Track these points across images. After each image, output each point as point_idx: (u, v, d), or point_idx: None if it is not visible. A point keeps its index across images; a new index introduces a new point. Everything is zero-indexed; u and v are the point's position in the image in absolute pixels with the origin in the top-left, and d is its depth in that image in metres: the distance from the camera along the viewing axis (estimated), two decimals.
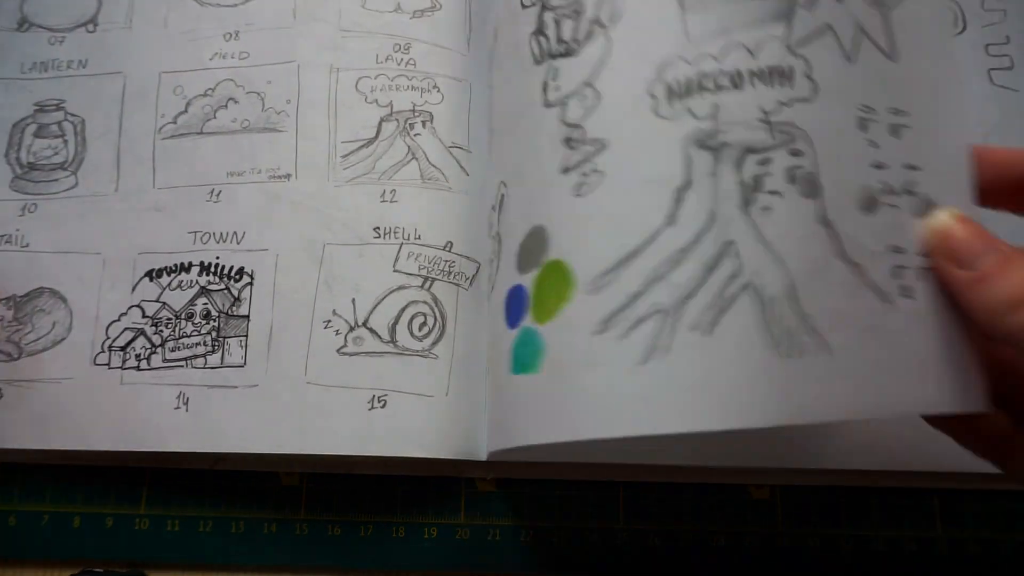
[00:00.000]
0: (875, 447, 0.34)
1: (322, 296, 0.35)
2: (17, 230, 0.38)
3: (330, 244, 0.36)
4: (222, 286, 0.36)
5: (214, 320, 0.35)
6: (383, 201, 0.36)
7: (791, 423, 0.21)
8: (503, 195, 0.30)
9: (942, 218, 0.23)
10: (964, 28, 0.38)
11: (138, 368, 0.35)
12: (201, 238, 0.37)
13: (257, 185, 0.37)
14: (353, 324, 0.35)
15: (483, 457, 0.34)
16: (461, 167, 0.37)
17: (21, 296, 0.37)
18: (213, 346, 0.35)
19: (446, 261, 0.36)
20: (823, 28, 0.24)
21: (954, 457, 0.33)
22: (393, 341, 0.35)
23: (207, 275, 0.36)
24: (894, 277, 0.23)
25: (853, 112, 0.23)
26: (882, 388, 0.22)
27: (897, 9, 0.24)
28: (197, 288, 0.36)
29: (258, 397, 0.34)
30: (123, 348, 0.36)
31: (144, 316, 0.36)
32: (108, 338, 0.36)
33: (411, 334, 0.35)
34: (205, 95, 0.39)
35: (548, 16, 0.28)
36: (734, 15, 0.24)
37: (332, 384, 0.34)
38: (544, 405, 0.26)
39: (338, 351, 0.34)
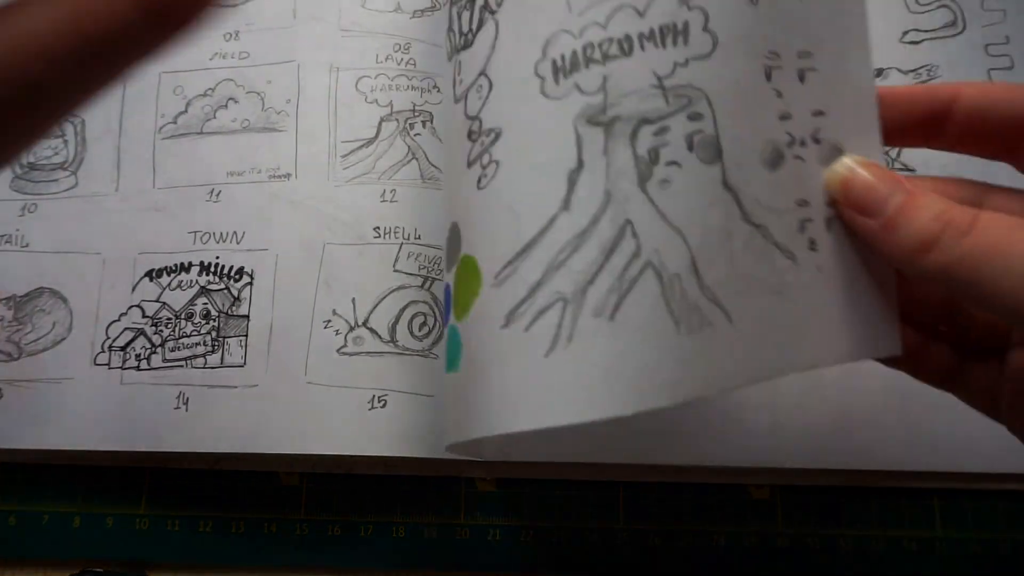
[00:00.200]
0: (875, 447, 0.34)
1: (322, 296, 0.35)
2: (17, 230, 0.38)
3: (330, 244, 0.36)
4: (222, 286, 0.36)
5: (214, 320, 0.35)
6: (383, 201, 0.36)
7: (696, 397, 0.21)
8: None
9: (844, 165, 0.22)
10: (964, 28, 0.38)
11: (138, 368, 0.35)
12: (201, 238, 0.37)
13: (257, 185, 0.37)
14: (353, 324, 0.35)
15: (480, 457, 0.34)
16: None
17: (21, 296, 0.37)
18: (213, 346, 0.35)
19: None
20: None
21: (954, 457, 0.33)
22: (393, 341, 0.35)
23: (207, 275, 0.36)
24: (801, 232, 0.22)
25: (759, 61, 0.22)
26: (790, 346, 0.22)
27: None
28: (197, 288, 0.36)
29: (258, 397, 0.34)
30: (123, 348, 0.36)
31: (144, 316, 0.36)
32: (108, 338, 0.36)
33: (411, 334, 0.35)
34: (205, 95, 0.39)
35: (454, 10, 0.27)
36: None
37: (332, 384, 0.34)
38: (463, 402, 0.25)
39: (338, 351, 0.34)
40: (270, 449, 0.34)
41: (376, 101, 0.38)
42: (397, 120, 0.37)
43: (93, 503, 0.35)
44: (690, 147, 0.22)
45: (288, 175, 0.37)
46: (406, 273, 0.35)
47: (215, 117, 0.38)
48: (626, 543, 0.34)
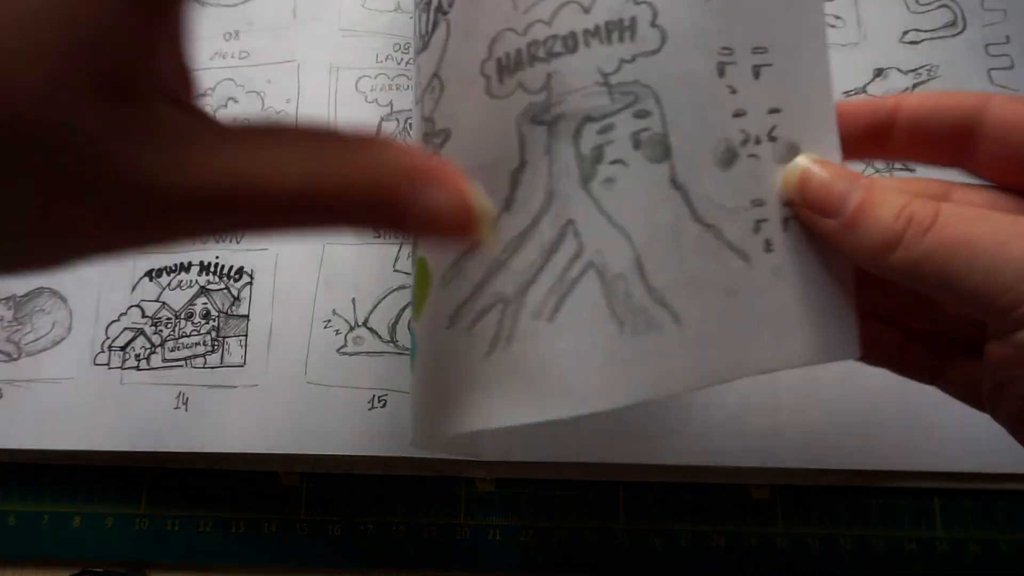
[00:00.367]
0: (875, 447, 0.34)
1: (322, 296, 0.35)
2: None
3: (330, 244, 0.36)
4: (222, 286, 0.36)
5: (214, 320, 0.35)
6: None
7: (642, 400, 0.20)
8: None
9: (799, 165, 0.22)
10: (964, 28, 0.38)
11: (138, 368, 0.35)
12: None
13: None
14: (353, 324, 0.35)
15: (481, 457, 0.34)
16: None
17: (21, 296, 0.37)
18: (213, 346, 0.35)
19: None
20: None
21: (954, 457, 0.33)
22: (393, 341, 0.35)
23: (207, 275, 0.36)
24: (756, 232, 0.21)
25: (711, 57, 0.21)
26: (743, 349, 0.21)
27: None
28: (197, 288, 0.36)
29: (258, 397, 0.34)
30: (123, 348, 0.36)
31: (144, 316, 0.36)
32: (108, 338, 0.36)
33: None
34: (205, 94, 0.39)
35: (417, 13, 0.27)
36: None
37: (332, 384, 0.34)
38: (417, 402, 0.25)
39: (338, 351, 0.34)
40: (270, 449, 0.34)
41: (376, 101, 0.38)
42: (397, 120, 0.37)
43: (93, 503, 0.35)
44: (636, 145, 0.21)
45: None
46: (406, 273, 0.35)
47: (215, 116, 0.38)
48: (626, 543, 0.34)
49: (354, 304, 0.35)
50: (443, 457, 0.33)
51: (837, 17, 0.39)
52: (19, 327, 0.36)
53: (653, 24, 0.21)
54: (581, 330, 0.21)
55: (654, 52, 0.21)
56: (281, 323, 0.35)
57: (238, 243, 0.36)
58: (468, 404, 0.22)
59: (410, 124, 0.37)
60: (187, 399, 0.35)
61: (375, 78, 0.38)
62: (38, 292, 0.37)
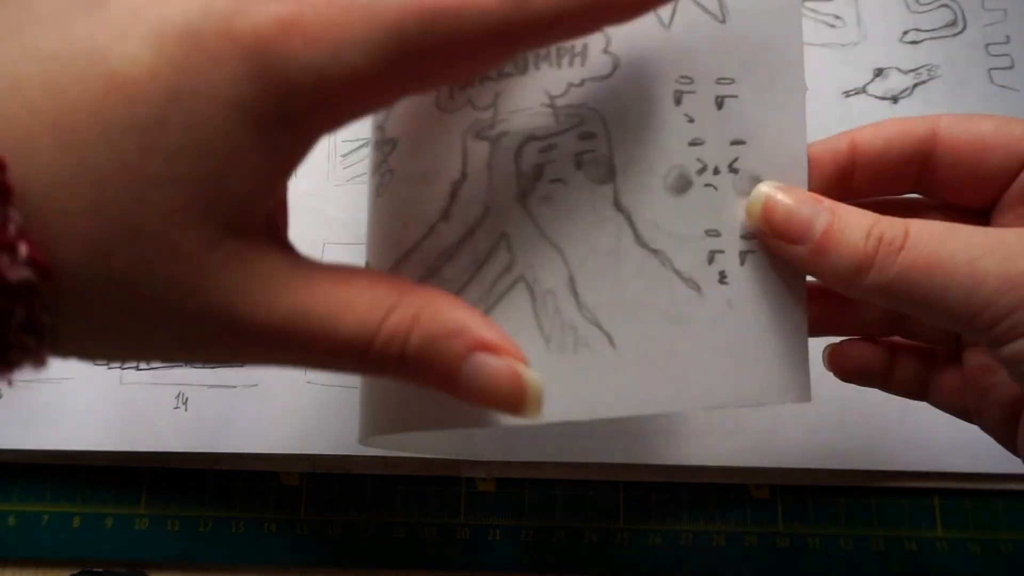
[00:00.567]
0: (875, 447, 0.34)
1: None
2: None
3: (330, 244, 0.36)
4: None
5: None
6: None
7: (565, 420, 0.20)
8: None
9: (762, 193, 0.21)
10: (964, 28, 0.38)
11: (137, 368, 0.35)
12: None
13: None
14: None
15: (482, 457, 0.34)
16: None
17: None
18: None
19: None
20: None
21: (954, 457, 0.33)
22: None
23: None
24: (709, 263, 0.21)
25: (667, 86, 0.21)
26: (687, 381, 0.21)
27: None
28: None
29: (258, 397, 0.34)
30: None
31: None
32: None
33: None
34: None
35: None
36: None
37: (332, 384, 0.34)
38: (362, 406, 0.25)
39: None
40: (270, 449, 0.34)
41: None
42: None
43: (93, 503, 0.35)
44: (579, 165, 0.21)
45: None
46: None
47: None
48: (626, 543, 0.34)
49: None
50: (445, 458, 0.33)
51: (837, 17, 0.39)
52: None
53: (605, 51, 0.21)
54: None
55: (604, 77, 0.21)
56: None
57: None
58: (391, 409, 0.23)
59: None
60: (187, 399, 0.35)
61: None
62: None
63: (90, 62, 0.15)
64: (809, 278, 0.22)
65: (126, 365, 0.35)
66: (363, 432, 0.24)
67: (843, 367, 0.27)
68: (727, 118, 0.21)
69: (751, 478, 0.34)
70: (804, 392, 0.22)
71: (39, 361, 0.16)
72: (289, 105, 0.16)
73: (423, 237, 0.22)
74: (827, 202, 0.21)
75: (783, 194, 0.21)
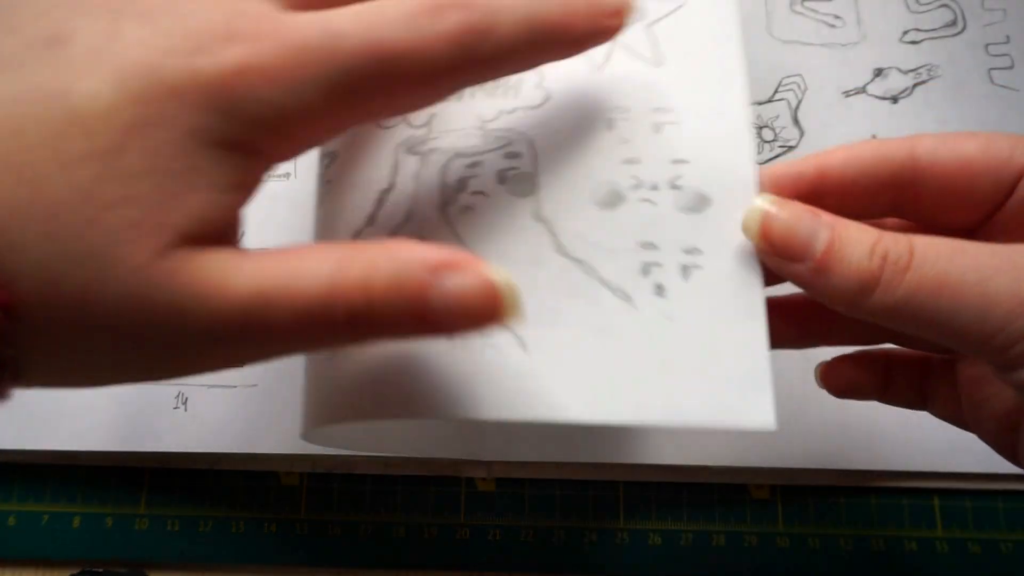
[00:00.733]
0: (875, 447, 0.34)
1: None
2: None
3: None
4: None
5: None
6: None
7: (464, 419, 0.20)
8: None
9: (758, 207, 0.20)
10: (964, 27, 0.38)
11: None
12: None
13: None
14: None
15: (482, 457, 0.34)
16: None
17: None
18: None
19: None
20: None
21: (954, 457, 0.33)
22: None
23: None
24: (643, 275, 0.21)
25: (599, 115, 0.22)
26: (616, 394, 0.20)
27: (659, 24, 0.23)
28: None
29: (258, 397, 0.34)
30: None
31: None
32: None
33: None
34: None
35: None
36: None
37: None
38: (304, 398, 0.25)
39: None
40: (270, 449, 0.34)
41: None
42: None
43: (93, 503, 0.35)
44: (501, 180, 0.22)
45: (288, 175, 0.37)
46: None
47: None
48: (626, 543, 0.34)
49: None
50: (445, 457, 0.33)
51: (837, 17, 0.39)
52: None
53: (539, 86, 0.22)
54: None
55: (535, 107, 0.22)
56: None
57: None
58: (312, 406, 0.23)
59: None
60: (186, 399, 0.35)
61: None
62: None
63: (50, 100, 0.15)
64: (770, 291, 0.21)
65: None
66: (305, 425, 0.24)
67: (837, 385, 0.26)
68: (666, 140, 0.22)
69: (751, 478, 0.34)
70: (764, 416, 0.20)
71: (2, 395, 0.16)
72: (248, 132, 0.16)
73: (351, 241, 0.23)
74: (826, 216, 0.20)
75: (779, 208, 0.20)
